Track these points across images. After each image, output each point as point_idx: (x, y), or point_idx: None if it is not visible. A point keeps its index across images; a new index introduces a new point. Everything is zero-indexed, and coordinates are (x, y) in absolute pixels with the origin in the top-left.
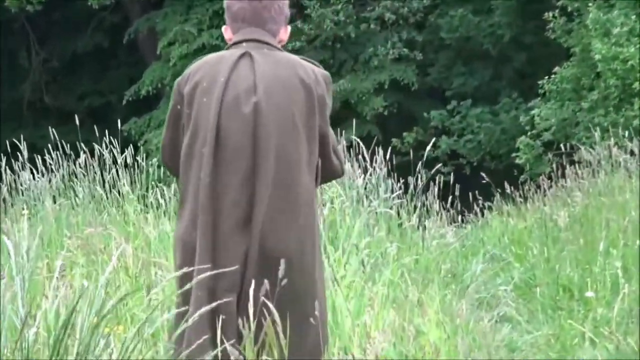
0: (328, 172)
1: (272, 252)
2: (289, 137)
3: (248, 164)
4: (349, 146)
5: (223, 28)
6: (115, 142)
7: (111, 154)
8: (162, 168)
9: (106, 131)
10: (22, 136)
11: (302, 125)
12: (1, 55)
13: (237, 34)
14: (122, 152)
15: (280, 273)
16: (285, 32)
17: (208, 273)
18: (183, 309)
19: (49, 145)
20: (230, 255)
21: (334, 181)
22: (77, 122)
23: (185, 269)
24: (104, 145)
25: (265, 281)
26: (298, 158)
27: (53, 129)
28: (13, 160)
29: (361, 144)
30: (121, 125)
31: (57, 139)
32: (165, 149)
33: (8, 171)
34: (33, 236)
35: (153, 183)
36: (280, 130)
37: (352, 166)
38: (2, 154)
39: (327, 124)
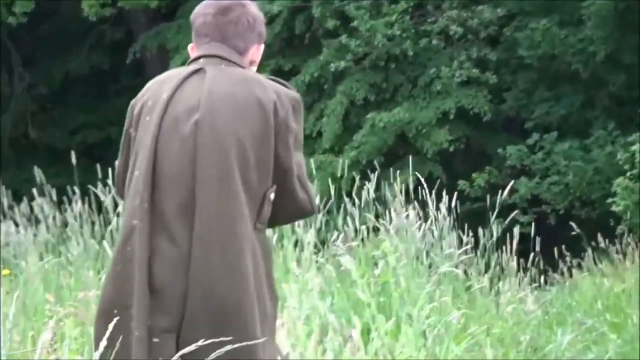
0: (294, 209)
1: (209, 299)
2: (234, 163)
3: (186, 193)
4: (405, 190)
5: (189, 46)
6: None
7: (112, 200)
8: None
9: (105, 172)
10: (0, 180)
11: (253, 151)
12: None
13: (199, 49)
14: None
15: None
16: (257, 52)
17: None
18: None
19: (35, 191)
20: (167, 295)
21: (386, 234)
22: (74, 160)
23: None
24: (101, 189)
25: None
26: (244, 190)
27: (40, 170)
28: None
29: (421, 186)
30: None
31: (44, 182)
32: (119, 177)
33: None
34: (14, 302)
35: None
36: (223, 156)
37: (407, 215)
38: None
39: (291, 152)
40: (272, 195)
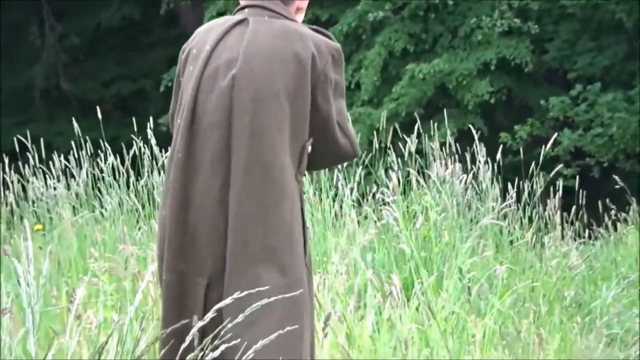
0: (336, 155)
1: (244, 245)
2: (269, 116)
3: (222, 144)
4: (443, 143)
5: None
6: (153, 139)
7: (147, 153)
8: None
9: (140, 125)
10: (30, 133)
11: (289, 105)
12: (4, 32)
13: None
14: (161, 151)
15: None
16: (301, 3)
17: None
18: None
19: (71, 143)
20: (200, 241)
21: (426, 188)
22: (99, 114)
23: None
24: (136, 142)
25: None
26: (278, 138)
27: (74, 123)
28: (21, 163)
29: (462, 139)
30: (158, 118)
31: (79, 135)
32: (170, 120)
33: (15, 176)
34: (47, 258)
35: None
36: (258, 108)
37: (448, 168)
38: (4, 155)
39: (330, 102)
40: (310, 147)
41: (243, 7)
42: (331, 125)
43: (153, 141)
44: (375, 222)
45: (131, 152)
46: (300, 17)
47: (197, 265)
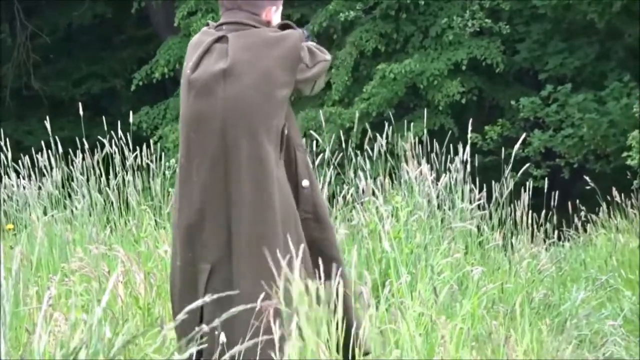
0: (317, 86)
1: (244, 232)
2: (258, 118)
3: (216, 148)
4: (419, 142)
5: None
6: (123, 138)
7: (118, 152)
8: None
9: (111, 124)
10: (2, 131)
11: (272, 99)
12: None
13: (222, 17)
14: (132, 150)
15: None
16: (270, 12)
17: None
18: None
19: (41, 143)
20: (204, 232)
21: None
22: (81, 111)
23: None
24: (108, 141)
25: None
26: (265, 135)
27: (45, 122)
28: None
29: (432, 139)
30: (130, 117)
31: (50, 133)
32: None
33: None
34: (17, 257)
35: (171, 190)
36: (248, 113)
37: (420, 168)
38: None
39: (309, 77)
40: (286, 131)
41: (221, 24)
42: (313, 88)
43: (123, 140)
44: (346, 222)
45: (103, 152)
46: (278, 16)
47: (202, 253)
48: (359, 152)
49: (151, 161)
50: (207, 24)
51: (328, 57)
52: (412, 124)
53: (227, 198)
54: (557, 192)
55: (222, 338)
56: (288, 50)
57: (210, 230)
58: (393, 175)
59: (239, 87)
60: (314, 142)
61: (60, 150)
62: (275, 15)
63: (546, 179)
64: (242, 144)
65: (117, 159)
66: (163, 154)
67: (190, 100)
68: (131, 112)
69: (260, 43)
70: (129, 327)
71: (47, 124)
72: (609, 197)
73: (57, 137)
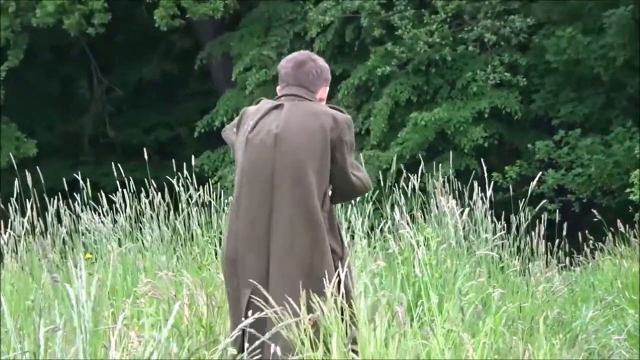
0: (353, 192)
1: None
2: (305, 169)
3: (265, 189)
4: (447, 181)
5: (277, 88)
6: (189, 178)
7: (184, 191)
8: None
9: (177, 167)
10: (80, 173)
11: (317, 161)
12: (58, 85)
13: (282, 91)
14: (196, 189)
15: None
16: (324, 92)
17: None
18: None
19: (116, 183)
20: (247, 263)
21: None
22: (146, 156)
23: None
24: (176, 181)
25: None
26: (311, 185)
27: (118, 165)
28: (70, 201)
29: (459, 178)
30: (192, 160)
31: (123, 175)
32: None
33: (67, 212)
34: (95, 283)
35: None
36: (296, 164)
37: (448, 204)
38: (60, 194)
39: (345, 157)
40: (330, 192)
41: (280, 97)
42: (347, 174)
43: (188, 180)
44: (383, 251)
45: (172, 191)
46: (323, 103)
47: (244, 281)
48: (394, 189)
49: (212, 199)
50: (259, 101)
51: (367, 181)
52: (440, 164)
53: (269, 233)
54: (568, 224)
55: (272, 349)
56: (337, 124)
57: (252, 260)
58: (424, 209)
59: (289, 144)
60: None
61: (133, 189)
62: (322, 102)
63: (558, 212)
64: (286, 190)
65: (184, 196)
66: (222, 192)
67: (247, 153)
68: (193, 156)
69: (312, 112)
70: (192, 343)
71: (120, 167)
72: (613, 228)
73: (130, 178)
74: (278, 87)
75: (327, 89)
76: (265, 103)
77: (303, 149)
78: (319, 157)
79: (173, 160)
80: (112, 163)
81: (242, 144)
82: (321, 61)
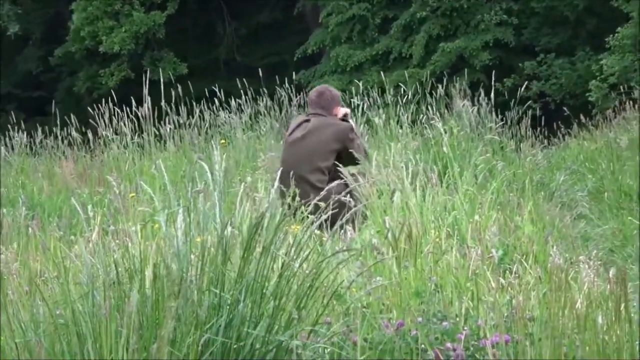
0: (355, 160)
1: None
2: (321, 153)
3: (295, 169)
4: (463, 89)
5: (308, 108)
6: (289, 88)
7: (287, 96)
8: None
9: (280, 81)
10: (217, 86)
11: (332, 151)
12: (201, 26)
13: (310, 110)
14: (296, 95)
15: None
16: (338, 110)
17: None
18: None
19: (241, 92)
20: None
21: (451, 116)
22: (260, 73)
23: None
24: (281, 91)
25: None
26: (322, 160)
27: (243, 79)
28: (210, 104)
29: (471, 86)
30: (294, 76)
31: (247, 86)
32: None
33: (209, 111)
34: (224, 158)
35: None
36: (315, 148)
37: (464, 103)
38: (204, 99)
39: (352, 144)
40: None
41: (309, 114)
42: (354, 154)
43: (289, 90)
44: (420, 136)
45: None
46: (336, 117)
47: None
48: (428, 95)
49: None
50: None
51: (367, 155)
52: (459, 78)
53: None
54: (546, 117)
55: None
56: (340, 130)
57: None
58: (448, 108)
59: (309, 143)
60: (402, 89)
61: (253, 95)
62: (338, 110)
63: (539, 109)
64: (306, 168)
65: (286, 100)
66: None
67: (286, 149)
68: (294, 72)
69: (326, 124)
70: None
71: (244, 82)
72: (577, 120)
73: (251, 89)
74: (309, 108)
75: (339, 107)
76: (300, 118)
77: (320, 144)
78: (328, 151)
79: (277, 77)
80: (237, 79)
81: (286, 141)
82: (334, 90)
